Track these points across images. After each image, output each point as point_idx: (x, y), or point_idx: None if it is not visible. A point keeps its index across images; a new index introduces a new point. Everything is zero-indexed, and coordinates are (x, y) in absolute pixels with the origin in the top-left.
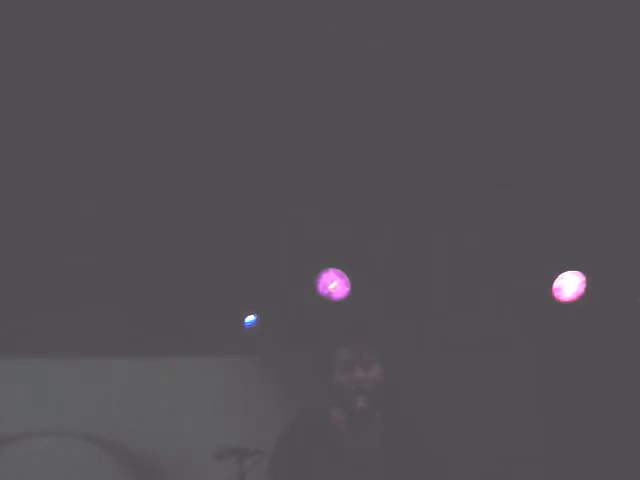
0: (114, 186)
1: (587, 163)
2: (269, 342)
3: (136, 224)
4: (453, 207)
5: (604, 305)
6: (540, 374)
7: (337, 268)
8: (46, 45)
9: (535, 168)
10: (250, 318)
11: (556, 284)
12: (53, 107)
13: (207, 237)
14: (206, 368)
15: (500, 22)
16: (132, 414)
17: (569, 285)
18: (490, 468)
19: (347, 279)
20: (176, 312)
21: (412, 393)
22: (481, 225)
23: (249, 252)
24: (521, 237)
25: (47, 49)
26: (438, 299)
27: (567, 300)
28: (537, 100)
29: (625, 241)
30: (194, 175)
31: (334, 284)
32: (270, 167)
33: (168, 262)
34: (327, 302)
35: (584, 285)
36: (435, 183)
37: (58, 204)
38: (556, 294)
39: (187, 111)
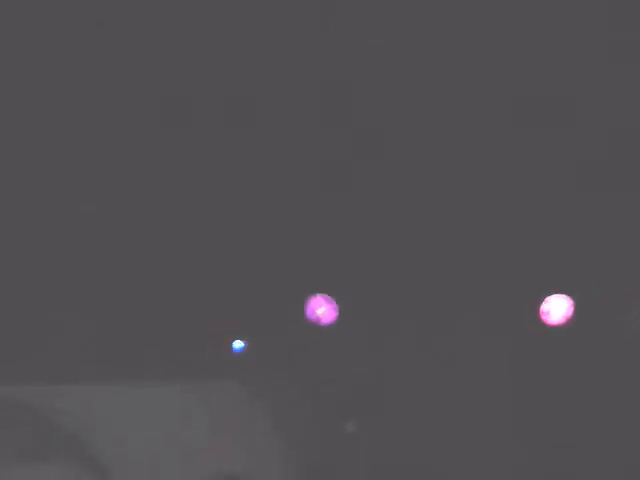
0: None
1: (573, 185)
2: (258, 367)
3: (122, 248)
4: (440, 232)
5: (592, 328)
6: (529, 397)
7: (325, 293)
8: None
9: (522, 192)
10: (239, 344)
11: (544, 308)
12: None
13: (196, 262)
14: (194, 394)
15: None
16: (119, 440)
17: (557, 309)
18: None
19: (335, 304)
20: (163, 338)
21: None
22: (469, 248)
23: (238, 277)
24: (509, 261)
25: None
26: (426, 323)
27: (555, 324)
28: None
29: (611, 263)
30: (181, 200)
31: (322, 309)
32: (260, 193)
33: (156, 288)
34: (315, 327)
35: (572, 308)
36: (421, 208)
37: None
38: (544, 318)
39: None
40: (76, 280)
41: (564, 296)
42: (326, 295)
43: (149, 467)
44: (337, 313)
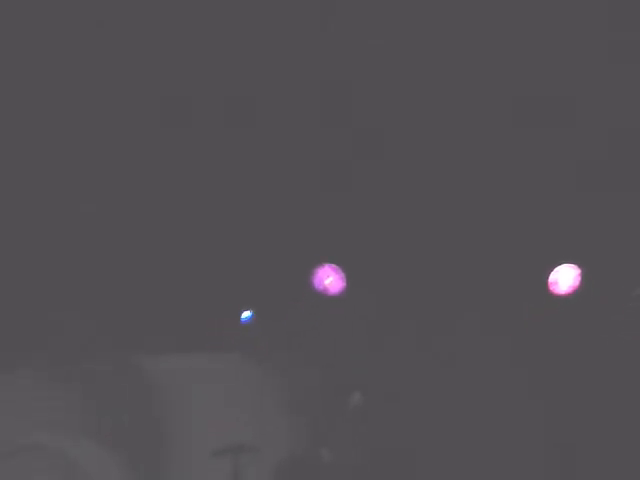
0: (113, 185)
1: (581, 156)
2: (265, 338)
3: (134, 223)
4: (450, 202)
5: (600, 298)
6: (538, 370)
7: (333, 263)
8: (46, 44)
9: (530, 162)
10: (246, 314)
11: (552, 277)
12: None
13: (204, 235)
14: (202, 365)
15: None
16: (128, 412)
17: (565, 278)
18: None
19: (343, 274)
20: (173, 310)
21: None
22: (477, 220)
23: (245, 248)
24: (517, 231)
25: (47, 48)
26: (434, 295)
27: (563, 293)
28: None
29: (621, 233)
30: (190, 174)
31: (330, 279)
32: (266, 164)
33: (165, 260)
34: (323, 297)
35: (580, 278)
36: (432, 179)
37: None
38: (552, 287)
39: (185, 109)
40: (91, 254)
41: (572, 265)
42: (334, 265)
43: (155, 437)
44: (345, 283)
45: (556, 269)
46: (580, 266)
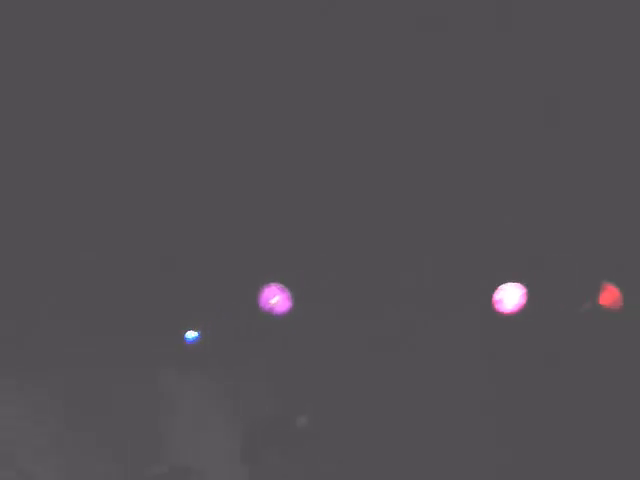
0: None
1: (527, 177)
2: (212, 358)
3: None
4: (398, 220)
5: (546, 316)
6: (490, 385)
7: (279, 283)
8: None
9: (475, 180)
10: (192, 334)
11: (497, 296)
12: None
13: (152, 253)
14: (150, 384)
15: None
16: (79, 426)
17: (510, 297)
18: None
19: (289, 294)
20: (120, 328)
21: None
22: (425, 240)
23: (192, 267)
24: (461, 250)
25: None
26: (385, 314)
27: (508, 312)
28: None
29: (566, 251)
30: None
31: (276, 299)
32: (220, 183)
33: (115, 279)
34: (269, 316)
35: (525, 296)
36: (379, 202)
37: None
38: (497, 306)
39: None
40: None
41: (517, 284)
42: (280, 285)
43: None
44: (291, 302)
45: (501, 287)
46: (525, 285)
